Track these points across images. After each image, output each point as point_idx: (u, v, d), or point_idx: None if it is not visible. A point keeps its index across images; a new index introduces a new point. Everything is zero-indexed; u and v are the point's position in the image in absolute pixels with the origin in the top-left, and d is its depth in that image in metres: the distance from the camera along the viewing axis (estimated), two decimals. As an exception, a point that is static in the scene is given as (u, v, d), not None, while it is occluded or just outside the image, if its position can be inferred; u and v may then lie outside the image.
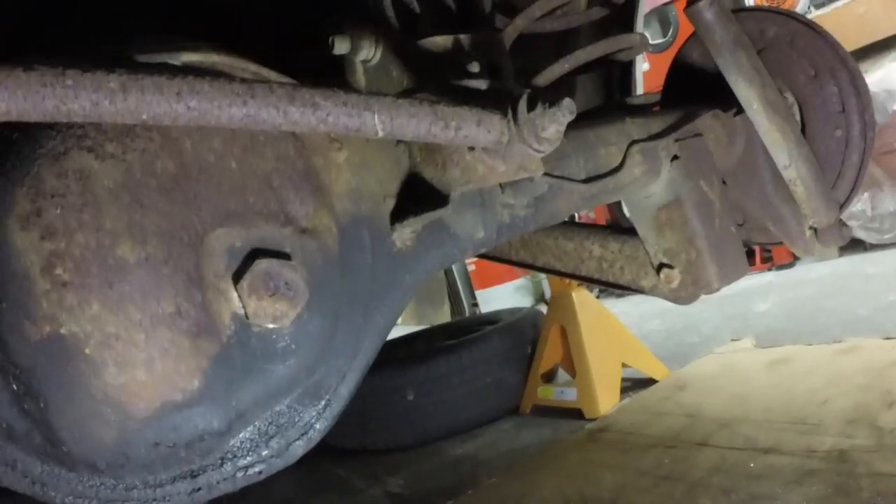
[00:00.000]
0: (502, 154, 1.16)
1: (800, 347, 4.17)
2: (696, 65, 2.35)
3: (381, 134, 0.93)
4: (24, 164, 0.99)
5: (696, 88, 2.27)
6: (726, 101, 1.97)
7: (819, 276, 6.06)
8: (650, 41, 6.91)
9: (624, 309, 6.13)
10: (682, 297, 1.96)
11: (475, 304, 10.21)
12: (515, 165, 1.18)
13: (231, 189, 1.04)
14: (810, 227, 2.12)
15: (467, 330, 5.46)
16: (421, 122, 0.96)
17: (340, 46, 1.25)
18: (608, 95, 2.93)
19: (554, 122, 1.05)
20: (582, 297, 4.40)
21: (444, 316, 10.04)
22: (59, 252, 0.95)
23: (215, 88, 0.83)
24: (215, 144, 1.04)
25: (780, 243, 2.22)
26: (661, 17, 7.09)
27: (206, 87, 0.83)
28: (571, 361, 4.38)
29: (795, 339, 4.34)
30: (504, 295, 9.32)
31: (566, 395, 4.34)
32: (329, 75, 1.32)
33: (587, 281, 2.19)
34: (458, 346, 4.74)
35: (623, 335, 4.48)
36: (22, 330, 0.97)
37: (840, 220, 2.11)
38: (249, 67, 1.14)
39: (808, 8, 6.65)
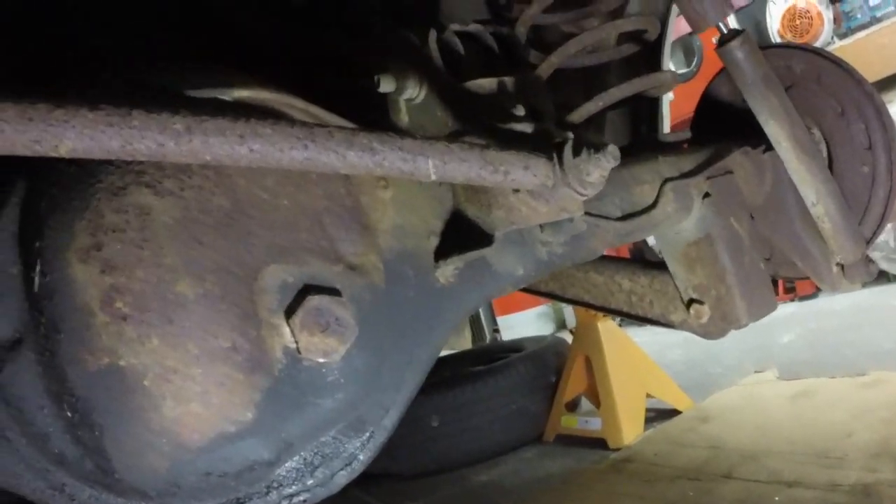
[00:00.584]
0: (546, 196, 1.19)
1: (823, 380, 4.16)
2: (724, 100, 2.38)
3: (433, 177, 0.96)
4: (83, 198, 1.02)
5: (724, 123, 2.29)
6: (755, 136, 2.00)
7: (842, 307, 6.03)
8: (675, 70, 6.93)
9: (645, 338, 6.12)
10: (711, 332, 1.98)
11: (496, 331, 10.18)
12: (558, 207, 1.22)
13: (283, 226, 1.07)
14: (837, 263, 2.14)
15: (491, 357, 5.47)
16: (471, 167, 0.99)
17: (386, 85, 1.28)
18: (635, 128, 2.95)
19: (598, 168, 1.08)
20: (607, 328, 4.41)
21: (465, 342, 10.02)
22: (120, 286, 0.98)
23: (277, 132, 0.87)
24: (268, 182, 1.08)
25: (807, 278, 2.23)
26: (685, 46, 7.10)
27: (269, 130, 0.86)
28: (595, 391, 4.39)
29: (819, 372, 4.31)
30: (525, 321, 9.29)
31: (590, 424, 4.34)
32: (365, 108, 1.35)
33: (616, 314, 2.21)
34: (484, 374, 4.74)
35: (647, 366, 4.48)
36: (80, 360, 1.00)
37: (866, 255, 2.13)
38: (298, 104, 1.17)
39: (832, 38, 6.65)
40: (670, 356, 5.82)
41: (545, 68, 1.77)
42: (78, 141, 0.80)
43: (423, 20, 1.80)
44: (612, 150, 1.08)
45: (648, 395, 4.37)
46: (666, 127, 2.87)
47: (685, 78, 6.81)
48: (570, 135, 1.10)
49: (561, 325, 9.36)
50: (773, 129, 1.89)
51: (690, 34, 6.82)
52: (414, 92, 1.29)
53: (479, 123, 1.26)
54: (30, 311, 1.06)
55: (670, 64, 2.47)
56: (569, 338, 4.89)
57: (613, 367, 4.28)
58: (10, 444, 1.10)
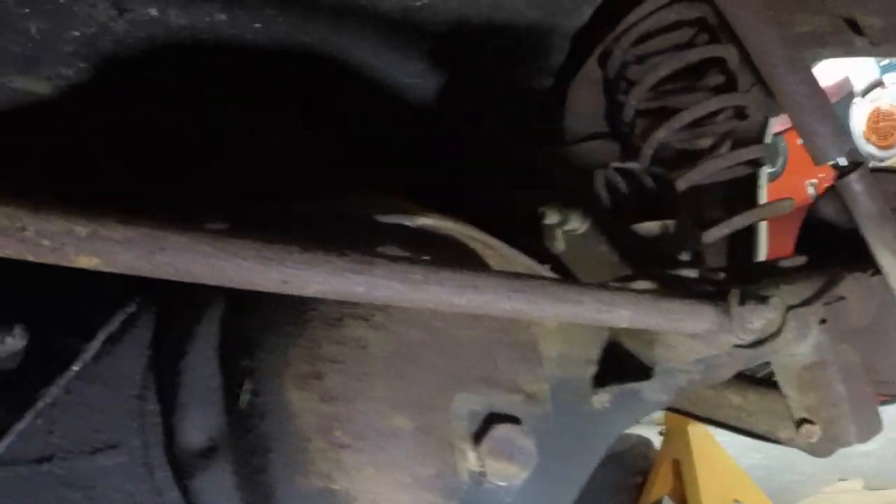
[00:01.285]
0: (708, 339, 1.27)
1: (910, 491, 4.11)
2: (829, 220, 2.43)
3: (625, 325, 1.05)
4: (298, 325, 1.11)
5: (828, 242, 2.35)
6: (861, 256, 2.05)
7: (923, 416, 5.91)
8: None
9: (723, 439, 6.08)
10: (819, 451, 2.01)
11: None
12: (714, 348, 1.30)
13: (470, 356, 1.16)
14: (933, 385, 2.17)
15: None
16: (655, 316, 1.08)
17: (551, 217, 1.37)
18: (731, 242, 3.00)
19: (761, 319, 1.16)
20: (697, 433, 4.41)
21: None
22: (339, 416, 1.06)
23: (499, 284, 0.94)
24: (457, 315, 1.16)
25: (900, 396, 2.26)
26: (770, 146, 7.09)
27: (490, 282, 0.94)
28: (680, 494, 4.37)
29: (903, 484, 4.26)
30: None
31: (675, 528, 4.33)
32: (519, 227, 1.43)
33: (721, 426, 2.25)
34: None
35: (734, 471, 4.46)
36: (291, 480, 1.08)
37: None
38: (476, 235, 1.27)
39: (912, 146, 6.62)
40: (750, 460, 5.72)
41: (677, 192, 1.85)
42: (325, 284, 0.86)
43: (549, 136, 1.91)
44: (776, 301, 1.16)
45: (735, 501, 4.34)
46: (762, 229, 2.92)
47: (770, 178, 6.81)
48: (736, 286, 1.18)
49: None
50: (886, 261, 1.94)
51: (776, 134, 6.84)
52: (575, 225, 1.38)
53: (646, 266, 1.35)
54: (230, 426, 1.15)
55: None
56: (643, 431, 4.88)
57: (702, 473, 4.27)
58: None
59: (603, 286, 1.04)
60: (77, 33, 1.31)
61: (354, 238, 1.17)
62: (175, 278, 0.81)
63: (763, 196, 2.68)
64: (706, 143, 2.14)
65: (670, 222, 1.47)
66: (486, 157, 2.05)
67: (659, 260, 1.39)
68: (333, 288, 0.87)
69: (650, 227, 1.46)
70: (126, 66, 1.43)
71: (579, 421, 1.33)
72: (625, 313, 1.04)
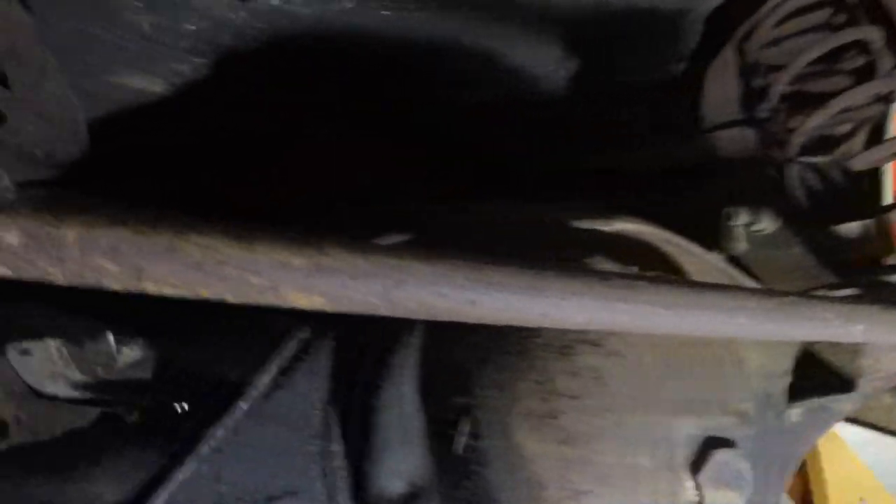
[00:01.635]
0: None
1: None
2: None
3: (857, 340, 0.95)
4: (523, 355, 0.99)
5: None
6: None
7: None
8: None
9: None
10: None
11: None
12: None
13: (690, 376, 1.07)
14: None
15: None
16: (884, 329, 0.96)
17: (740, 219, 1.27)
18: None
19: None
20: (825, 429, 4.30)
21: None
22: (581, 459, 0.96)
23: (761, 306, 0.83)
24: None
25: None
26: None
27: (754, 304, 0.83)
28: (800, 491, 4.25)
29: None
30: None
31: (801, 526, 4.22)
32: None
33: (871, 427, 2.16)
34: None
35: (860, 469, 4.32)
36: None
37: None
38: (673, 239, 1.17)
39: None
40: (863, 455, 5.52)
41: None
42: (588, 314, 0.74)
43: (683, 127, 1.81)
44: None
45: (861, 500, 4.21)
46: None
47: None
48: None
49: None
50: None
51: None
52: (764, 225, 1.27)
53: (849, 272, 1.25)
54: (440, 472, 1.04)
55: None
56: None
57: (830, 470, 4.13)
58: None
59: (842, 300, 0.94)
60: (193, 28, 1.23)
61: (559, 249, 1.07)
62: (415, 317, 0.71)
63: (889, 186, 2.57)
64: (845, 129, 2.03)
65: (870, 222, 1.36)
66: (626, 149, 1.96)
67: (860, 264, 1.28)
68: (598, 319, 0.75)
69: (851, 228, 1.35)
70: (245, 61, 1.35)
71: (776, 437, 1.24)
72: (859, 328, 0.93)
